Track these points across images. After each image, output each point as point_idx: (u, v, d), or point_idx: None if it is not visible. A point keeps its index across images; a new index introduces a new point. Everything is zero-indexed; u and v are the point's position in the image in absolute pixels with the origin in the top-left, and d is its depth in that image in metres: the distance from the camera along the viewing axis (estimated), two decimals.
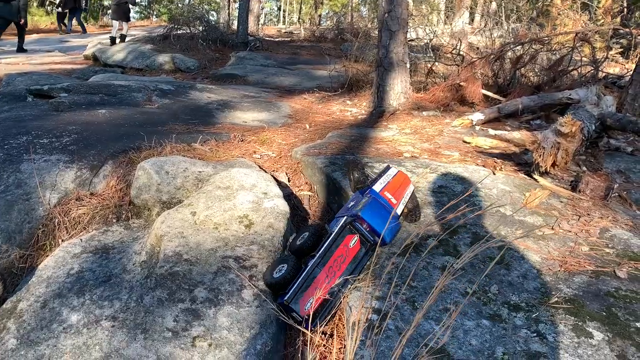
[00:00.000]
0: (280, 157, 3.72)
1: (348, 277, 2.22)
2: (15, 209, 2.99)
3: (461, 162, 3.62)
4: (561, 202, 3.04)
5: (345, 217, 2.39)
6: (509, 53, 5.93)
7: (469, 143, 4.03)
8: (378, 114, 5.01)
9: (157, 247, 2.48)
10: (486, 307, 2.13)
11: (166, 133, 3.90)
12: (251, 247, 2.41)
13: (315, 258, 2.25)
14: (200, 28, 12.34)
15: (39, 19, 24.23)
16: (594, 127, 4.19)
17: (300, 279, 2.15)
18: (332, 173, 3.12)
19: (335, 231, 2.34)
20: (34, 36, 18.63)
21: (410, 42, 8.23)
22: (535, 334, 1.98)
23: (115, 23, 13.36)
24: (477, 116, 4.68)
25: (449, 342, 1.96)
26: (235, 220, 2.55)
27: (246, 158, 3.61)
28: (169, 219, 2.59)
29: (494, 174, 3.33)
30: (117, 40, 13.04)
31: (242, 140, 3.95)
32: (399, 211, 2.45)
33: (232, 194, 2.74)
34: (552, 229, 2.68)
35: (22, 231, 2.92)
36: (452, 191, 3.02)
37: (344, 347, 2.09)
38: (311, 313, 2.05)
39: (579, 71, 5.91)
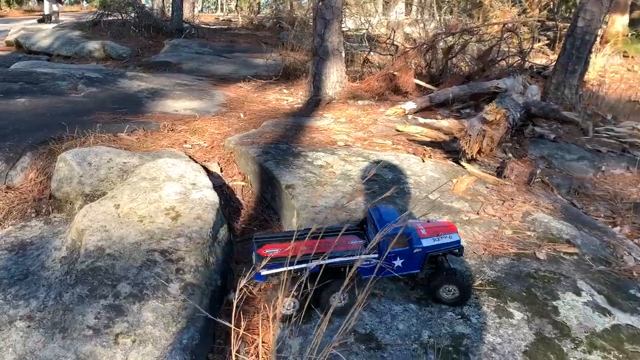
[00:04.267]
0: (212, 147, 3.64)
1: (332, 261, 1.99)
2: None
3: (393, 150, 3.67)
4: (487, 187, 3.15)
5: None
6: (441, 43, 6.07)
7: (401, 131, 4.09)
8: (314, 103, 5.01)
9: (78, 241, 2.36)
10: (413, 292, 2.18)
11: (91, 123, 3.72)
12: (178, 239, 2.34)
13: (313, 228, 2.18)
14: (133, 14, 11.86)
15: None
16: (519, 115, 4.37)
17: (282, 234, 2.08)
18: (265, 162, 3.09)
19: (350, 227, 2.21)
20: None
21: (346, 32, 8.27)
22: (459, 317, 2.04)
23: (47, 3, 12.73)
24: (410, 105, 4.76)
25: (377, 327, 1.99)
26: (161, 212, 2.47)
27: (176, 148, 3.51)
28: (91, 212, 2.47)
29: (424, 161, 3.40)
30: (48, 20, 12.40)
31: (172, 130, 3.84)
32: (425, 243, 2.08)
33: (158, 185, 2.65)
34: (478, 213, 2.78)
35: None
36: (383, 178, 3.06)
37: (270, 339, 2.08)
38: (267, 259, 1.90)
39: (507, 61, 6.14)
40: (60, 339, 1.91)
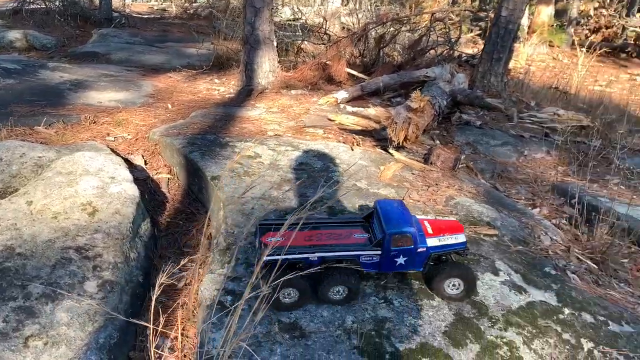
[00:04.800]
0: (136, 139, 3.52)
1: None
2: None
3: (324, 139, 3.68)
4: (413, 174, 3.22)
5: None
6: (373, 33, 6.13)
7: (333, 121, 4.11)
8: (246, 93, 4.94)
9: None
10: None
11: (5, 115, 3.51)
12: (95, 235, 2.25)
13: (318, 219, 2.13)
14: (57, 2, 11.26)
15: None
16: (445, 103, 4.49)
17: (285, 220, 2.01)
18: (191, 154, 3.02)
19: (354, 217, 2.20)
20: None
21: (281, 21, 8.21)
22: (383, 301, 2.07)
23: None
24: (342, 94, 4.79)
25: (301, 315, 1.99)
26: (77, 207, 2.36)
27: (98, 141, 3.37)
28: (0, 211, 2.34)
29: (353, 149, 3.43)
30: None
31: (94, 122, 3.68)
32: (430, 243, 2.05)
33: (74, 179, 2.53)
34: (403, 199, 2.83)
35: None
36: (312, 167, 3.06)
37: (196, 334, 2.05)
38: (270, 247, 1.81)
39: (437, 50, 6.29)
40: None
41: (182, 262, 2.55)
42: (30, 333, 1.84)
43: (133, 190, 2.51)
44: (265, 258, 1.67)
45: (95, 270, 2.12)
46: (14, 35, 9.69)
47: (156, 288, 1.89)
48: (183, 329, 2.08)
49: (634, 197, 3.32)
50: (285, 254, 1.83)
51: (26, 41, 9.62)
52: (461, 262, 2.18)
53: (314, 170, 3.03)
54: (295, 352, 1.80)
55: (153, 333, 1.74)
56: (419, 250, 2.01)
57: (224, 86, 5.43)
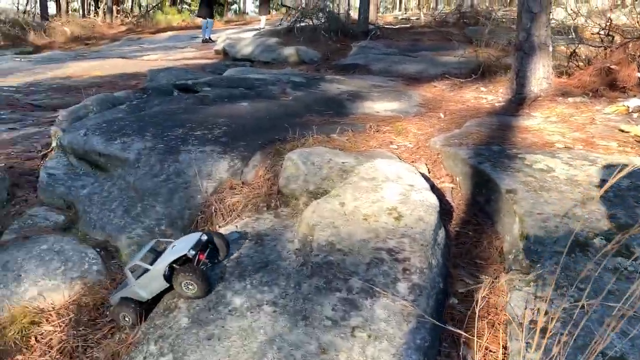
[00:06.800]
0: (418, 148, 3.66)
1: None
2: (176, 196, 3.26)
3: (621, 153, 3.30)
4: None
5: None
6: None
7: (627, 132, 3.67)
8: (518, 101, 4.74)
9: (309, 236, 2.55)
10: None
11: (304, 124, 4.01)
12: (402, 239, 2.39)
13: None
14: (323, 20, 12.52)
15: (172, 17, 26.17)
16: None
17: None
18: (480, 165, 3.01)
19: None
20: (168, 33, 20.15)
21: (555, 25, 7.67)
22: None
23: (262, 17, 16.22)
24: (635, 102, 4.24)
25: (629, 351, 1.80)
26: (383, 212, 2.55)
27: (383, 149, 3.59)
28: (319, 209, 2.66)
29: None
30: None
31: (377, 131, 3.95)
32: None
33: (378, 185, 2.74)
34: None
35: (184, 217, 3.18)
36: (617, 186, 2.76)
37: (507, 349, 2.01)
38: None
39: None
40: (303, 326, 2.08)
41: (478, 274, 2.56)
42: (355, 324, 2.04)
43: (433, 199, 2.60)
44: None
45: (405, 273, 2.25)
46: (288, 51, 11.10)
47: (479, 300, 1.91)
48: (503, 345, 2.05)
49: None
50: None
51: (297, 56, 10.93)
52: None
53: (621, 189, 2.73)
54: None
55: (477, 346, 1.77)
56: None
57: (492, 94, 5.31)
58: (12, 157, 4.63)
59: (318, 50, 11.03)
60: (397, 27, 15.03)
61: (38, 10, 26.27)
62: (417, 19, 17.53)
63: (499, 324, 2.19)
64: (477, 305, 2.38)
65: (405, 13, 24.73)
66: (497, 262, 2.63)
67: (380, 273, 2.25)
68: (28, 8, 29.21)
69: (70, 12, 27.07)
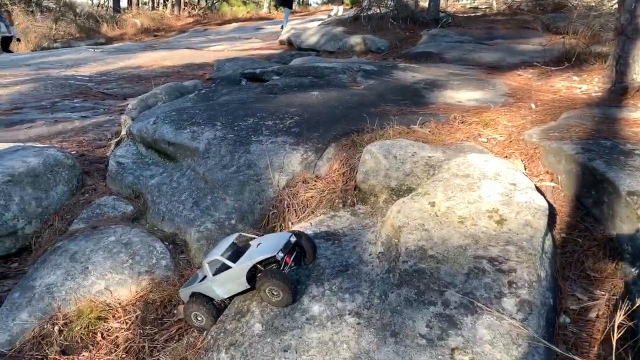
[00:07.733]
0: (510, 141, 3.29)
1: None
2: (247, 189, 3.06)
3: None
4: None
5: None
6: None
7: None
8: (619, 91, 4.22)
9: (394, 238, 2.27)
10: None
11: (380, 115, 3.72)
12: (507, 247, 2.07)
13: None
14: (391, 7, 12.10)
15: (237, 9, 26.42)
16: None
17: None
18: (591, 162, 2.61)
19: None
20: (234, 25, 20.28)
21: None
22: None
23: (338, 7, 17.17)
24: None
25: None
26: (482, 214, 2.23)
27: (472, 142, 3.25)
28: (405, 208, 2.37)
29: None
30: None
31: (462, 122, 3.60)
32: None
33: (474, 183, 2.41)
34: None
35: (254, 212, 2.97)
36: None
37: None
38: None
39: None
40: (392, 343, 1.81)
41: (592, 289, 2.20)
42: (454, 345, 1.75)
43: (541, 201, 2.25)
44: None
45: (511, 287, 1.93)
46: (355, 40, 10.79)
47: (616, 329, 1.57)
48: None
49: None
50: None
51: (364, 45, 10.60)
52: None
53: None
54: None
55: None
56: None
57: (586, 84, 4.79)
58: (84, 145, 4.62)
59: (386, 38, 10.65)
60: (468, 15, 14.36)
61: (111, 4, 27.27)
62: (487, 7, 16.69)
63: (624, 351, 1.84)
64: (593, 326, 2.05)
65: (474, 2, 23.74)
66: (615, 276, 2.26)
67: (481, 286, 1.94)
68: (102, 1, 30.46)
69: (140, 4, 27.88)
